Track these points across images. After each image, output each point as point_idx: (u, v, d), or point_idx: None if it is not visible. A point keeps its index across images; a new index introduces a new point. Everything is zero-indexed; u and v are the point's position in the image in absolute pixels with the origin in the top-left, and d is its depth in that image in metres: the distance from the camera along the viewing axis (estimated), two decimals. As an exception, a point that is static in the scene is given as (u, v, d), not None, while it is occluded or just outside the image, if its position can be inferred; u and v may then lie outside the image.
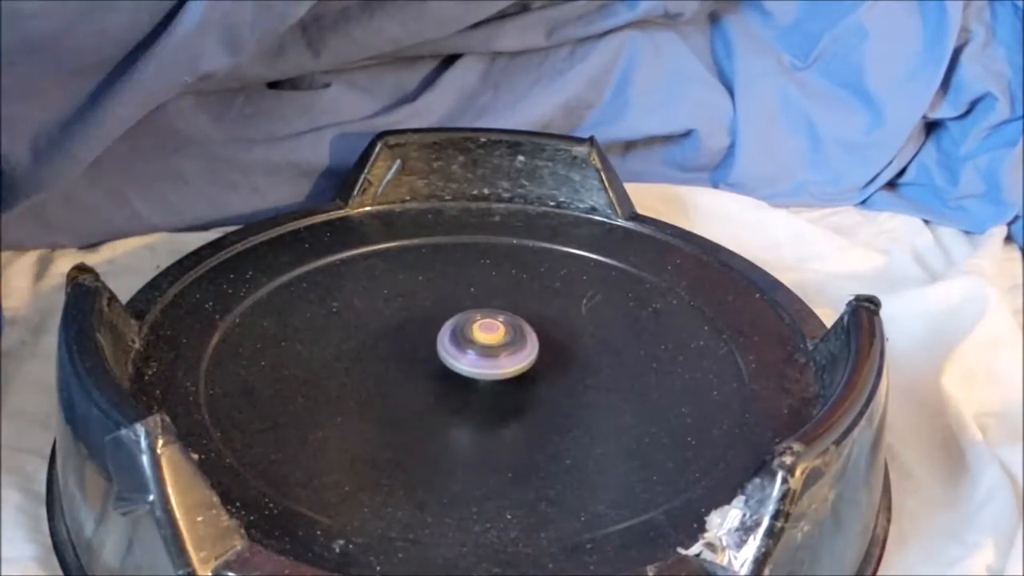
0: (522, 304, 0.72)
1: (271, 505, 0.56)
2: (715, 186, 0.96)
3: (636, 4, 0.90)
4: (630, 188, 0.83)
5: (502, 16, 0.88)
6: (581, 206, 0.82)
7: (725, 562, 0.51)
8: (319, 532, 0.55)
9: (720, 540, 0.51)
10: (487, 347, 0.64)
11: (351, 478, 0.59)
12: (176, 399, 0.62)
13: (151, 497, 0.49)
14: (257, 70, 0.82)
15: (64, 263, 0.81)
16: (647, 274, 0.75)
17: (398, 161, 0.81)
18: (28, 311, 0.77)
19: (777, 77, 0.95)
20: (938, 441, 0.71)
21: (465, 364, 0.63)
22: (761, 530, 0.51)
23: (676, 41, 0.95)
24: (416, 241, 0.78)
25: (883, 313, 0.64)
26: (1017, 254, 0.91)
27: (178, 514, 0.49)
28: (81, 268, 0.63)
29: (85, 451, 0.55)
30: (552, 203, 0.82)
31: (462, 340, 0.64)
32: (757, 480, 0.51)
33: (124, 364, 0.63)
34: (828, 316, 0.69)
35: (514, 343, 0.64)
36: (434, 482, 0.59)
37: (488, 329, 0.64)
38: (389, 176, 0.81)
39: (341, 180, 0.82)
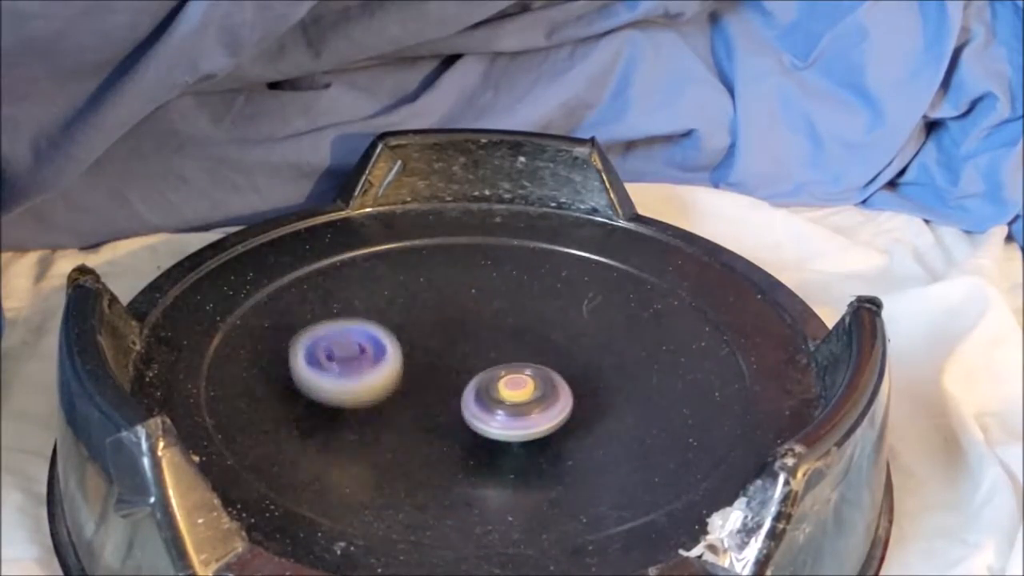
0: (523, 305, 0.72)
1: (272, 507, 0.56)
2: (715, 186, 0.96)
3: (636, 4, 0.90)
4: (631, 188, 0.83)
5: (502, 16, 0.88)
6: (582, 207, 0.82)
7: (727, 564, 0.51)
8: (320, 534, 0.54)
9: (722, 542, 0.51)
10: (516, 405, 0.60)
11: (352, 480, 0.59)
12: (177, 401, 0.62)
13: (152, 499, 0.49)
14: (257, 70, 0.82)
15: (65, 264, 0.80)
16: (648, 275, 0.75)
17: (399, 162, 0.81)
18: (29, 312, 0.77)
19: (777, 77, 0.95)
20: (939, 441, 0.71)
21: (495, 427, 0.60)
22: (763, 532, 0.51)
23: (676, 41, 0.95)
24: (417, 242, 0.78)
25: (884, 313, 0.64)
26: (1018, 253, 0.91)
27: (179, 516, 0.49)
28: (82, 269, 0.63)
29: (86, 453, 0.55)
30: (553, 204, 0.82)
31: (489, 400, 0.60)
32: (759, 482, 0.51)
33: (125, 366, 0.63)
34: (829, 316, 0.69)
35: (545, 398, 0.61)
36: (435, 484, 0.59)
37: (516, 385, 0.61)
38: (390, 177, 0.81)
39: (342, 181, 0.82)
